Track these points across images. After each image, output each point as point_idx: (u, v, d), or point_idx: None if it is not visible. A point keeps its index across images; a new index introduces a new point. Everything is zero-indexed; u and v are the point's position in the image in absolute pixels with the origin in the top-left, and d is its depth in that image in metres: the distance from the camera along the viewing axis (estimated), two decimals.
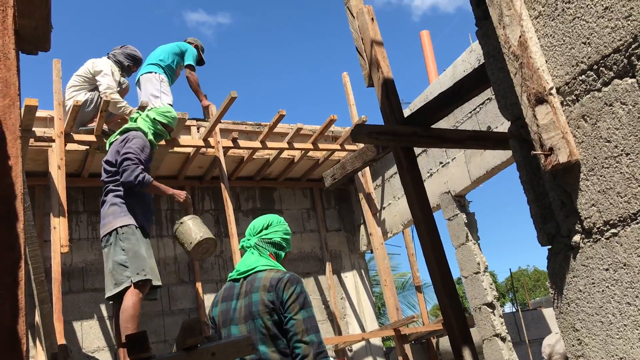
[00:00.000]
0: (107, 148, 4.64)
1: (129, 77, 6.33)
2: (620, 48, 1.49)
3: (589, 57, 1.58)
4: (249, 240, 2.63)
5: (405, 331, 6.84)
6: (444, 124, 6.03)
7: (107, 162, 4.44)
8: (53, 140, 5.66)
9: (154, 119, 4.70)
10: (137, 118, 4.75)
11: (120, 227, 4.08)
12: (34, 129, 5.63)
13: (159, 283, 4.12)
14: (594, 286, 1.60)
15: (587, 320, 1.62)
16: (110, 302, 4.32)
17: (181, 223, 4.50)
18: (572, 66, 1.63)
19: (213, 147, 6.52)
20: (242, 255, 2.68)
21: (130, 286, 3.93)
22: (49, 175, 5.65)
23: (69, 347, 2.13)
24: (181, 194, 4.55)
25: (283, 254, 2.68)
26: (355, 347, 7.45)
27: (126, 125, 4.64)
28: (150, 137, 4.59)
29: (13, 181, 1.40)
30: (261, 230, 2.64)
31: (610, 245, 1.55)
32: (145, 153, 4.32)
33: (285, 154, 7.13)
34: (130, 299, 3.84)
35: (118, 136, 4.57)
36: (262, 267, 2.53)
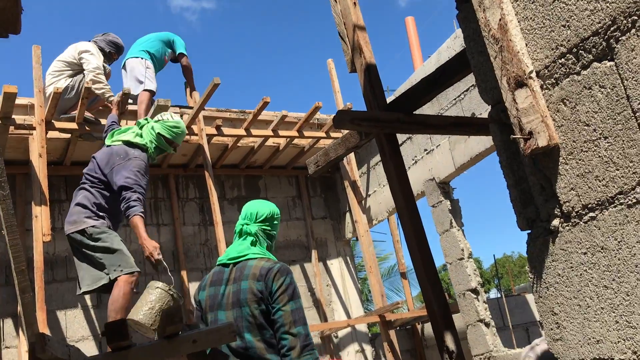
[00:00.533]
0: (106, 142, 4.50)
1: (110, 65, 6.25)
2: (599, 31, 1.48)
3: (569, 40, 1.57)
4: (248, 225, 2.60)
5: (391, 317, 6.88)
6: (428, 110, 6.03)
7: (97, 163, 4.30)
8: (34, 128, 5.57)
9: (159, 133, 4.50)
10: (143, 126, 4.57)
11: (87, 227, 4.04)
12: (13, 116, 5.54)
13: (137, 269, 4.05)
14: (572, 270, 1.60)
15: (566, 304, 1.63)
16: (85, 296, 4.27)
17: (147, 286, 3.78)
18: (552, 49, 1.62)
19: (197, 135, 6.47)
20: (234, 238, 2.66)
21: (108, 282, 3.90)
22: (30, 164, 5.58)
23: (47, 335, 2.09)
24: (153, 254, 3.93)
25: (273, 244, 2.70)
26: (340, 333, 7.49)
27: (131, 137, 4.42)
28: (151, 152, 4.46)
29: None
30: (265, 220, 2.62)
31: (589, 229, 1.55)
32: (145, 178, 4.20)
33: (270, 142, 7.09)
34: (122, 289, 3.81)
35: (120, 142, 4.39)
36: (254, 254, 2.52)
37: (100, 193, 4.16)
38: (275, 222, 2.67)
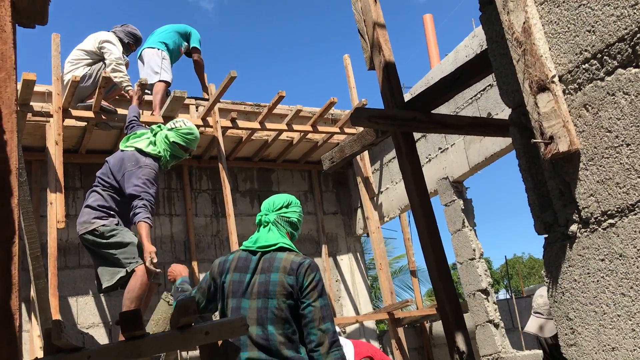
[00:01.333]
0: (120, 146, 4.53)
1: (128, 56, 6.30)
2: (625, 37, 1.47)
3: (593, 46, 1.56)
4: (267, 215, 2.63)
5: (399, 315, 6.88)
6: (444, 109, 6.01)
7: (110, 168, 4.35)
8: (51, 116, 5.62)
9: (173, 142, 4.51)
10: (157, 133, 4.57)
11: (97, 228, 4.10)
12: (31, 103, 5.59)
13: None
14: (589, 276, 1.60)
15: (581, 310, 1.63)
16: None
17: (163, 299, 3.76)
18: (576, 54, 1.62)
19: (212, 127, 6.49)
20: (257, 229, 2.67)
21: (129, 271, 3.96)
22: (46, 151, 5.63)
23: (63, 322, 2.12)
24: (146, 258, 4.03)
25: (296, 235, 2.71)
26: (348, 329, 7.50)
27: (144, 147, 4.42)
28: (165, 160, 4.48)
29: (8, 156, 1.39)
30: (281, 208, 2.65)
31: (607, 236, 1.55)
32: (154, 187, 4.24)
33: (284, 136, 7.10)
34: (139, 279, 3.86)
35: (133, 149, 4.41)
36: (283, 244, 2.54)
37: (111, 197, 4.23)
38: (293, 208, 2.68)
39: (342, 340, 4.57)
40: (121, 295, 4.24)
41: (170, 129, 4.52)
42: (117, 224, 4.13)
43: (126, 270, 3.92)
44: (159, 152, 4.38)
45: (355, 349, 4.53)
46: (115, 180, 4.25)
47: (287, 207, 2.66)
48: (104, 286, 4.08)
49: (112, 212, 4.17)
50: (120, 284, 4.06)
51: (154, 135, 4.49)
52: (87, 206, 4.19)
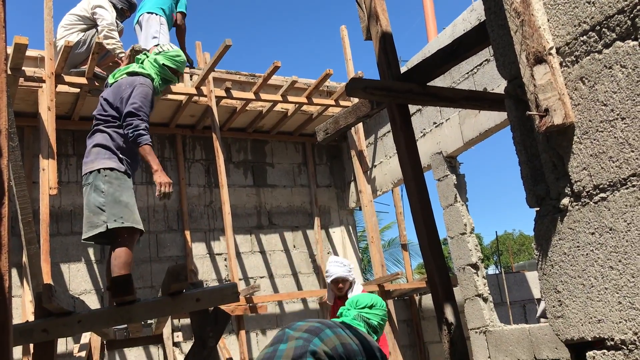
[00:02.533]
0: (109, 81, 4.36)
1: (122, 22, 6.20)
2: (625, 9, 1.45)
3: (592, 17, 1.54)
4: (348, 310, 2.50)
5: (389, 287, 6.94)
6: (440, 83, 5.97)
7: (106, 100, 4.17)
8: (43, 81, 5.56)
9: (163, 64, 4.35)
10: (144, 60, 4.46)
11: (104, 169, 3.90)
12: (24, 68, 5.51)
13: (141, 227, 3.96)
14: (579, 249, 1.61)
15: (569, 283, 1.64)
16: (89, 249, 4.17)
17: None
18: (574, 26, 1.60)
19: (206, 96, 6.44)
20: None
21: (106, 230, 3.78)
22: (39, 117, 5.58)
23: (53, 286, 2.12)
24: (167, 185, 3.91)
25: (375, 338, 2.48)
26: None
27: (134, 68, 4.33)
28: (157, 84, 4.36)
29: None
30: (364, 307, 2.50)
31: (598, 210, 1.55)
32: (150, 105, 4.11)
33: (278, 107, 7.06)
34: (123, 244, 3.76)
35: (125, 75, 4.28)
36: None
37: (116, 132, 4.00)
38: (376, 310, 2.50)
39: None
40: None
41: (158, 53, 4.42)
42: (124, 172, 3.94)
43: (106, 226, 3.76)
44: (150, 74, 4.27)
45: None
46: (115, 108, 4.05)
47: (370, 307, 2.50)
48: (82, 237, 3.93)
49: (122, 156, 3.98)
50: (98, 241, 3.90)
51: (142, 63, 4.37)
52: (97, 145, 3.97)
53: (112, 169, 3.85)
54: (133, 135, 3.86)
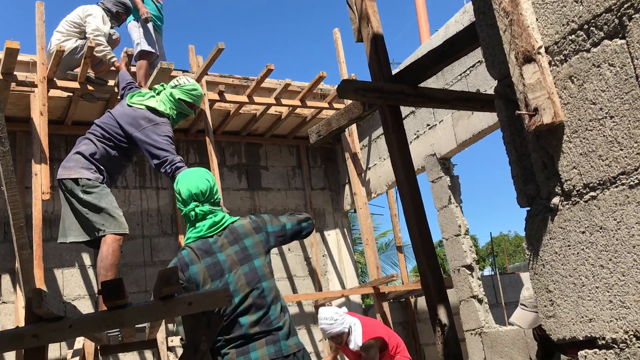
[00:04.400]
0: (127, 101, 4.30)
1: (120, 26, 6.18)
2: (612, 7, 1.45)
3: (580, 17, 1.54)
4: (201, 206, 2.66)
5: (385, 289, 6.94)
6: (433, 85, 5.98)
7: (114, 119, 4.11)
8: (35, 86, 5.54)
9: (179, 99, 4.32)
10: (160, 92, 4.42)
11: (81, 178, 3.90)
12: (15, 73, 5.50)
13: (124, 231, 3.95)
14: (570, 248, 1.60)
15: (561, 282, 1.63)
16: (67, 244, 4.11)
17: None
18: (563, 25, 1.60)
19: None
20: (192, 220, 2.67)
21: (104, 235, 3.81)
22: (31, 121, 5.56)
23: (44, 291, 2.11)
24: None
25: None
26: (334, 303, 7.56)
27: (155, 105, 4.22)
28: (174, 119, 4.33)
29: None
30: (207, 194, 2.68)
31: (589, 208, 1.55)
32: (172, 141, 4.13)
33: (272, 110, 7.06)
34: (110, 246, 3.75)
35: (144, 107, 4.21)
36: (231, 219, 2.69)
37: (105, 149, 4.01)
38: (215, 186, 2.75)
39: (351, 319, 4.54)
40: None
41: (174, 87, 4.36)
42: (102, 182, 3.95)
43: (95, 234, 3.79)
44: (166, 110, 4.24)
45: (364, 328, 4.47)
46: (123, 131, 4.02)
47: (212, 190, 2.70)
48: (68, 239, 3.93)
49: (101, 168, 4.00)
50: (86, 243, 3.95)
51: (157, 94, 4.34)
52: (78, 152, 3.98)
53: (88, 179, 3.86)
54: (172, 169, 3.88)
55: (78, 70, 5.73)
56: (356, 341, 4.39)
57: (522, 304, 3.49)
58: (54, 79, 5.64)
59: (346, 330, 4.43)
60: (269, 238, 2.64)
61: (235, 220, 2.68)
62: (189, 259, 2.61)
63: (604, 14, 1.48)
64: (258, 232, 2.63)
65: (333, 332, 4.42)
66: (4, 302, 5.86)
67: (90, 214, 3.80)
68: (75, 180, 3.87)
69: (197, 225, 2.66)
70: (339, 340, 4.48)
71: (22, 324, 5.24)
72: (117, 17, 6.02)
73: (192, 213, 2.65)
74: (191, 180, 2.73)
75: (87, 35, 5.57)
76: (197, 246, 2.62)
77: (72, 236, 3.88)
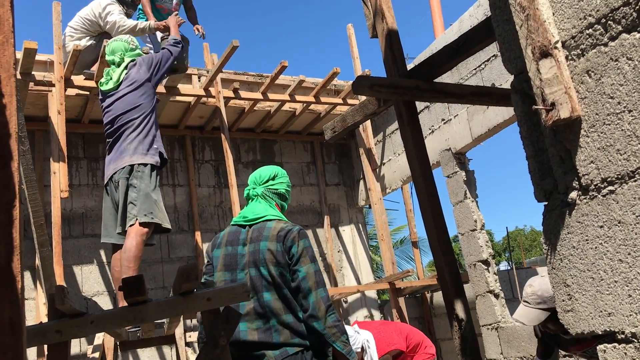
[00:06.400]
0: (112, 85, 4.31)
1: (135, 11, 6.11)
2: (631, 1, 1.44)
3: (598, 10, 1.54)
4: (254, 189, 2.66)
5: (400, 285, 6.94)
6: (447, 79, 5.96)
7: (126, 94, 4.14)
8: (53, 85, 5.60)
9: (130, 49, 4.51)
10: (120, 63, 4.45)
11: (138, 164, 3.93)
12: (33, 72, 5.57)
13: (169, 226, 4.02)
14: (588, 243, 1.60)
15: (579, 276, 1.64)
16: (110, 243, 4.15)
17: None
18: (580, 19, 1.59)
19: (214, 97, 6.47)
20: (247, 203, 2.70)
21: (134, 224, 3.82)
22: (49, 120, 5.63)
23: (66, 288, 2.15)
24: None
25: (286, 205, 2.73)
26: (350, 298, 7.58)
27: (128, 61, 4.34)
28: (134, 53, 4.48)
29: (7, 119, 1.38)
30: (268, 180, 2.67)
31: (607, 203, 1.55)
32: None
33: (286, 107, 7.07)
34: (134, 238, 3.78)
35: (125, 70, 4.28)
36: (271, 216, 2.57)
37: (144, 126, 4.04)
38: (280, 179, 2.69)
39: (363, 334, 4.42)
40: None
41: (124, 53, 4.43)
42: (152, 170, 3.97)
43: (136, 219, 3.80)
44: (129, 56, 4.38)
45: (377, 342, 4.38)
46: (141, 86, 4.18)
47: (273, 179, 2.67)
48: (118, 231, 3.94)
49: (155, 146, 4.04)
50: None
51: (119, 65, 4.36)
52: (130, 141, 3.98)
53: (144, 164, 3.91)
54: (172, 45, 4.57)
55: (94, 68, 5.77)
56: (372, 358, 4.33)
57: (524, 301, 3.46)
58: (71, 78, 5.69)
59: (359, 349, 4.34)
60: (283, 255, 2.44)
61: (272, 220, 2.56)
62: (219, 242, 2.63)
63: (622, 7, 1.47)
64: (279, 241, 2.46)
65: None
66: (25, 299, 5.95)
67: (141, 199, 3.92)
68: (131, 167, 4.00)
69: (242, 210, 2.66)
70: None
71: (42, 319, 5.32)
72: (132, 4, 5.97)
73: (245, 194, 2.69)
74: (260, 168, 2.77)
75: (118, 31, 5.51)
76: (230, 231, 2.63)
77: (119, 228, 3.97)
